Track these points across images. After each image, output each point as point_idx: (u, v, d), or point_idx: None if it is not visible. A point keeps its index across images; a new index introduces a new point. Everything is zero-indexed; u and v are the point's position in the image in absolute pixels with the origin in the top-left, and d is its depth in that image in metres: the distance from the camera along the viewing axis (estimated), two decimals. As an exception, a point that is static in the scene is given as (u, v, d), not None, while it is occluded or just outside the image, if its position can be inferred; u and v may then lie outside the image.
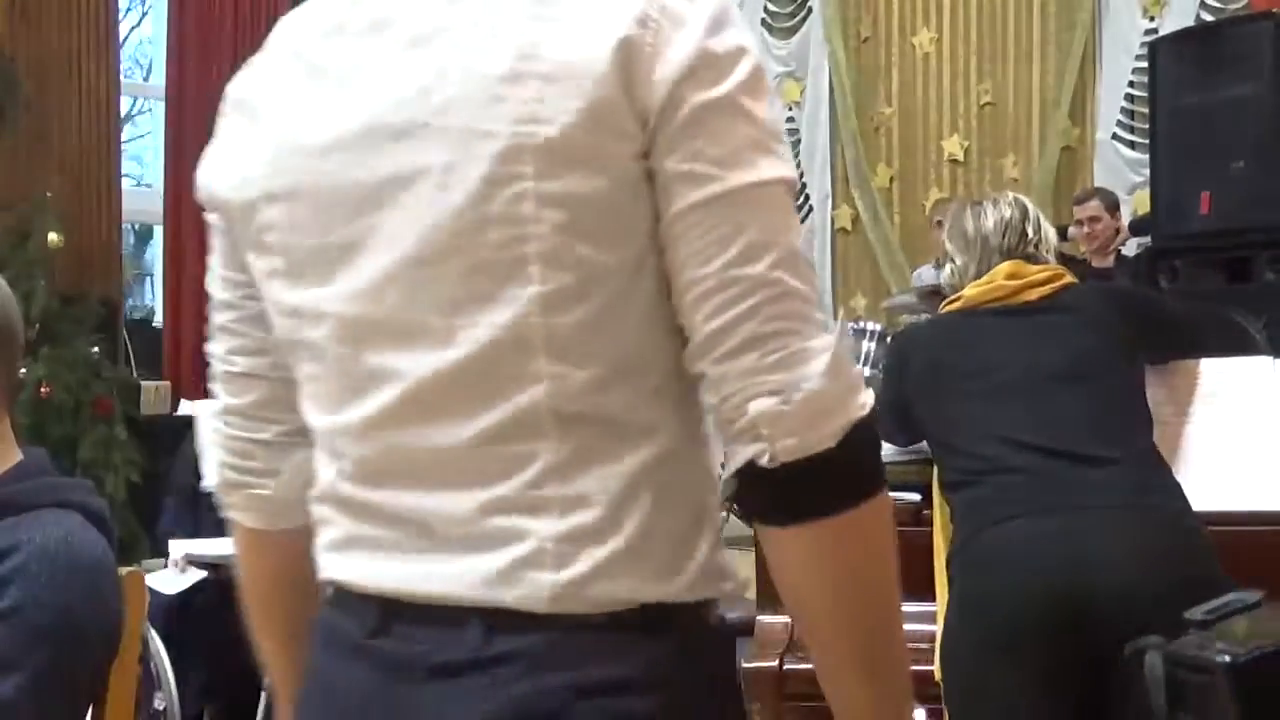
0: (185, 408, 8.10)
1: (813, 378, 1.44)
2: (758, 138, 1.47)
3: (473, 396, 1.49)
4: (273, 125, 1.60)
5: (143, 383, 8.55)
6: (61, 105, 8.52)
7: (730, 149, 1.46)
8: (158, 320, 10.11)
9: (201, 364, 6.75)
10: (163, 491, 6.95)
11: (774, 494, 1.48)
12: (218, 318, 1.75)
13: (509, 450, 1.49)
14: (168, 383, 8.90)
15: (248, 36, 9.61)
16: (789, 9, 10.31)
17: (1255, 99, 5.70)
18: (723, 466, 1.55)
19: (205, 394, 6.50)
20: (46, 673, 2.34)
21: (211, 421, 1.80)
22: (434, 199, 1.47)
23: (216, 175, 1.67)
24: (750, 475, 1.47)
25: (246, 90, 1.66)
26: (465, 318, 1.48)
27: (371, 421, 1.54)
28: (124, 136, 9.75)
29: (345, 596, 1.60)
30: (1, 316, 2.54)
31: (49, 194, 7.86)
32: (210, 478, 1.81)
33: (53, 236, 7.64)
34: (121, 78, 9.57)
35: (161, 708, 5.66)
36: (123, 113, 9.91)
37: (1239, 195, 5.85)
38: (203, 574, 6.18)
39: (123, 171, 9.50)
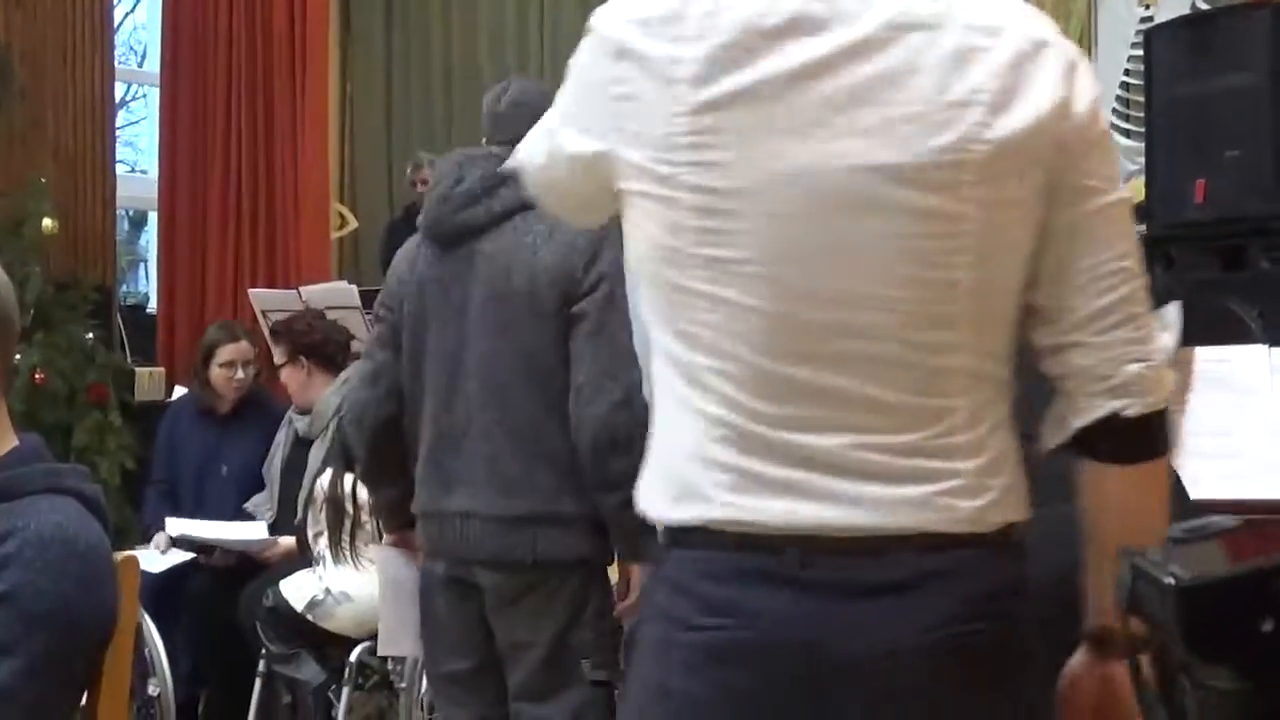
0: (179, 393, 8.12)
1: (1162, 351, 1.99)
2: (1119, 164, 1.98)
3: (904, 357, 1.86)
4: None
5: (137, 369, 8.55)
6: (56, 91, 8.51)
7: (1110, 172, 1.95)
8: (152, 306, 10.12)
9: (193, 351, 6.74)
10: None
11: (1126, 439, 1.94)
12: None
13: (931, 404, 1.87)
14: (161, 369, 8.91)
15: (242, 22, 9.61)
16: None
17: (1251, 88, 5.68)
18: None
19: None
20: (42, 659, 2.35)
21: None
22: (889, 189, 1.83)
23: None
24: (1110, 424, 1.93)
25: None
26: (904, 292, 1.85)
27: (800, 377, 1.86)
28: (118, 123, 9.74)
29: (745, 537, 1.87)
30: (1, 304, 2.56)
31: (43, 180, 7.85)
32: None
33: (47, 223, 7.63)
34: (116, 64, 9.56)
35: (155, 694, 5.67)
36: (117, 99, 9.88)
37: (1234, 184, 5.84)
38: (186, 556, 6.21)
39: (117, 158, 9.48)
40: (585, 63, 2.02)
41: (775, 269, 1.85)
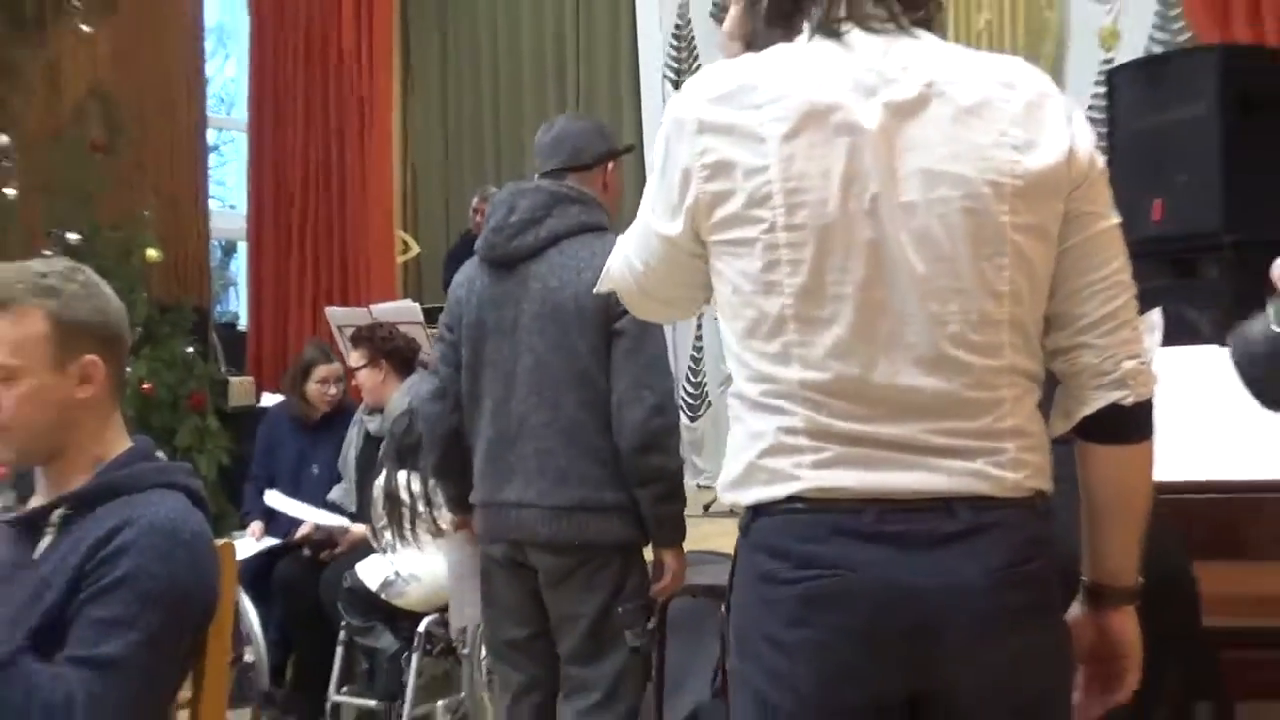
0: (266, 399, 8.17)
1: (1150, 349, 2.02)
2: (1110, 194, 2.07)
3: (964, 358, 1.97)
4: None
5: (230, 378, 8.59)
6: (157, 138, 8.54)
7: (1107, 200, 2.06)
8: (242, 324, 10.18)
9: (278, 362, 6.82)
10: (247, 473, 7.06)
11: (1123, 424, 2.08)
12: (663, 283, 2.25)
13: (985, 396, 1.98)
14: (251, 378, 8.94)
15: (317, 74, 9.68)
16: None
17: (1199, 120, 5.69)
18: None
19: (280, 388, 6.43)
20: (157, 633, 2.39)
21: None
22: (941, 221, 1.96)
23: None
24: (1111, 412, 2.06)
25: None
26: (966, 304, 1.97)
27: (876, 381, 1.97)
28: (211, 164, 9.78)
29: (827, 502, 1.97)
30: (115, 324, 2.62)
31: (147, 215, 7.88)
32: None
33: (151, 252, 7.66)
34: (208, 113, 9.60)
35: (251, 660, 5.72)
36: (209, 143, 9.93)
37: (1186, 204, 5.85)
38: (275, 541, 6.28)
39: (210, 195, 9.52)
40: (663, 152, 2.10)
41: (858, 291, 1.96)
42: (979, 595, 1.94)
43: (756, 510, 2.04)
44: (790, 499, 1.98)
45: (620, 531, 3.80)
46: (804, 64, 2.02)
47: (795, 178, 1.96)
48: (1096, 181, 2.04)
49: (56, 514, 2.53)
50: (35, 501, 2.61)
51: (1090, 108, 7.94)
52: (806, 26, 2.07)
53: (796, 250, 1.96)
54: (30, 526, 2.56)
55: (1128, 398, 2.05)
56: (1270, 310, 1.39)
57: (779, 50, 2.06)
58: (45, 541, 2.52)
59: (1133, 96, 6.21)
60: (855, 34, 2.03)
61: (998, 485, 1.97)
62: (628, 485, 3.76)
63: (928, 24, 2.09)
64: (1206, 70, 5.87)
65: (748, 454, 2.04)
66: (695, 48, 10.00)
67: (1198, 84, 5.87)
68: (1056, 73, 8.23)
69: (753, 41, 2.14)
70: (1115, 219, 2.08)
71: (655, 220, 2.13)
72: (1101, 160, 2.06)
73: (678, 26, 10.14)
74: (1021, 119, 1.99)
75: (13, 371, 2.51)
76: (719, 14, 9.99)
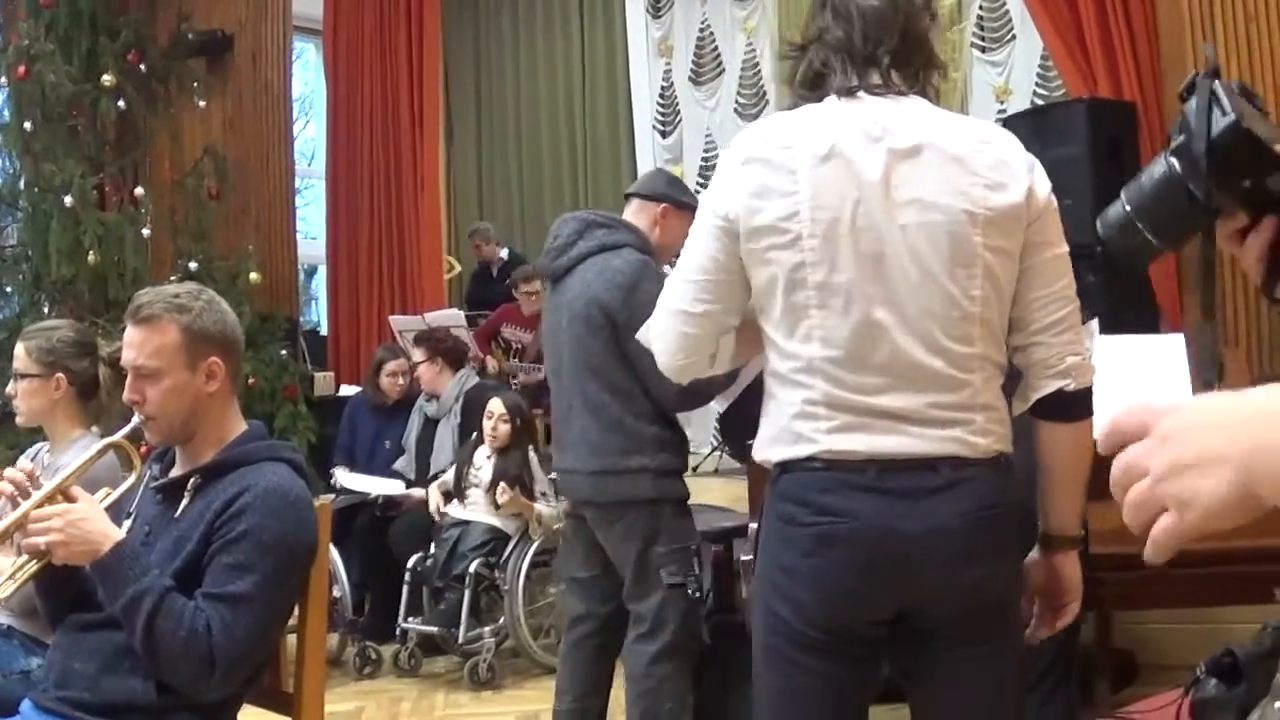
0: (345, 389, 8.18)
1: (1089, 349, 2.12)
2: (1061, 228, 2.11)
3: (944, 345, 2.01)
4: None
5: (315, 374, 8.55)
6: (256, 186, 8.51)
7: (1058, 232, 2.10)
8: (323, 330, 10.17)
9: (353, 359, 6.77)
10: (331, 448, 7.05)
11: (1067, 407, 2.10)
12: (703, 278, 2.14)
13: (960, 377, 2.02)
14: (331, 373, 8.92)
15: (379, 135, 9.66)
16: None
17: (1075, 158, 5.74)
18: None
19: (357, 381, 6.48)
20: (271, 574, 2.42)
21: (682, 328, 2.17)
22: (929, 239, 2.01)
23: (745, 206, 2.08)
24: (1058, 396, 2.09)
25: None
26: (946, 306, 2.01)
27: (878, 358, 2.01)
28: (297, 205, 9.74)
29: (838, 462, 2.02)
30: (231, 333, 2.67)
31: (250, 247, 7.88)
32: (670, 369, 2.23)
33: (253, 276, 7.65)
34: (295, 165, 9.58)
35: (338, 595, 5.72)
36: (296, 188, 9.92)
37: (1067, 223, 5.86)
38: (350, 499, 6.26)
39: (297, 229, 9.49)
40: (721, 173, 2.15)
41: (864, 288, 2.01)
42: (953, 535, 1.99)
43: (783, 467, 2.07)
44: (810, 458, 2.03)
45: (645, 488, 3.69)
46: (826, 119, 2.08)
47: (817, 199, 2.02)
48: (1048, 217, 2.08)
49: (191, 482, 2.55)
50: (174, 473, 2.63)
51: (988, 150, 7.99)
52: (831, 92, 2.12)
53: (817, 254, 2.01)
54: (172, 492, 2.59)
55: (1070, 385, 2.08)
56: (1122, 196, 1.36)
57: (808, 109, 2.13)
58: (183, 504, 2.54)
59: (1022, 139, 6.20)
60: (866, 97, 2.10)
61: (971, 448, 2.02)
62: (648, 452, 3.70)
63: (923, 92, 2.15)
64: (1078, 119, 5.92)
65: (779, 421, 2.08)
66: (678, 106, 10.07)
67: (1071, 130, 5.91)
68: (961, 122, 8.28)
69: (793, 103, 2.20)
70: (1063, 248, 2.11)
71: (709, 217, 2.13)
72: (1054, 201, 2.09)
73: (663, 89, 10.21)
74: (993, 167, 2.04)
75: (155, 372, 2.54)
76: (695, 78, 10.07)
